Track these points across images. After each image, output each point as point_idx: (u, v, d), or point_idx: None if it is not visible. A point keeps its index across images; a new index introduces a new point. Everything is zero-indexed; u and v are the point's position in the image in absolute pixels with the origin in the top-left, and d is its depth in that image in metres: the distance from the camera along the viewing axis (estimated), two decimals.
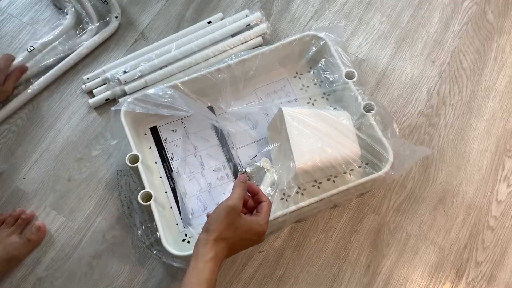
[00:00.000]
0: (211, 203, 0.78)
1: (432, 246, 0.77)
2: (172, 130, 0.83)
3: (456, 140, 0.85)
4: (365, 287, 0.75)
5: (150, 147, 0.81)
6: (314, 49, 0.85)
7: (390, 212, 0.80)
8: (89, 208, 0.81)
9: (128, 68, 0.89)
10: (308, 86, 0.86)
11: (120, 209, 0.80)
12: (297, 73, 0.88)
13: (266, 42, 0.93)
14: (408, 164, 0.75)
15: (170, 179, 0.79)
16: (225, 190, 0.78)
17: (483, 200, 0.81)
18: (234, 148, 0.81)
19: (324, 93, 0.85)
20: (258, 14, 0.93)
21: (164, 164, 0.80)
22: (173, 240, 0.73)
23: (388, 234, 0.78)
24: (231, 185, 0.78)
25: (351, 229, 0.79)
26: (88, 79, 0.91)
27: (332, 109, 0.83)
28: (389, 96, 0.89)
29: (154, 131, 0.83)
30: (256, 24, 0.92)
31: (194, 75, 0.81)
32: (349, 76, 0.80)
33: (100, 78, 0.90)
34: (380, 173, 0.72)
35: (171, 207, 0.77)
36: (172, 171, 0.80)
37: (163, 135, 0.82)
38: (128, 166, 0.73)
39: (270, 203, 0.63)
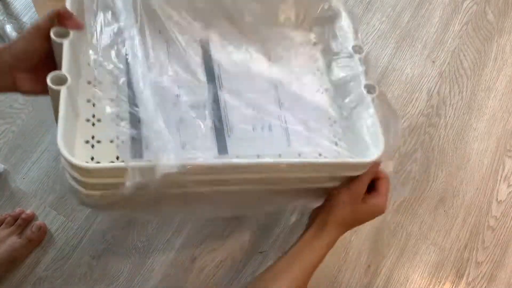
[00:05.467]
0: (177, 142, 0.57)
1: (432, 246, 0.77)
2: (159, 31, 0.63)
3: (456, 140, 0.85)
4: (365, 287, 0.75)
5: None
6: (324, 10, 0.72)
7: (390, 212, 0.79)
8: (89, 208, 0.81)
9: None
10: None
11: None
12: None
13: None
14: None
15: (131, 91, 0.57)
16: (198, 132, 0.60)
17: (483, 200, 0.81)
18: (222, 89, 0.64)
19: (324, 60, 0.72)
20: None
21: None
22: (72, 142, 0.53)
23: (388, 234, 0.78)
24: (202, 126, 0.60)
25: (351, 229, 0.79)
26: None
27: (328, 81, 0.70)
28: (389, 96, 0.89)
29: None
30: None
31: None
32: (357, 50, 0.69)
33: None
34: (364, 160, 0.58)
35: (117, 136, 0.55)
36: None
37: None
38: (53, 39, 0.51)
39: (388, 180, 0.61)
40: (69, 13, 0.53)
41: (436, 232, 0.78)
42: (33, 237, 0.77)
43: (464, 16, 0.97)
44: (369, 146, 0.63)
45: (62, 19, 0.52)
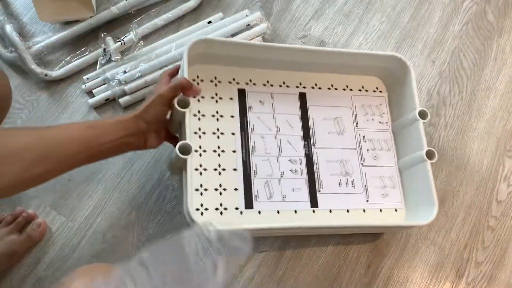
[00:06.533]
0: (278, 193, 0.72)
1: (432, 246, 0.78)
2: (260, 101, 0.76)
3: (456, 140, 0.85)
4: (365, 287, 0.75)
5: (233, 116, 0.74)
6: (394, 72, 0.80)
7: None
8: (89, 208, 0.81)
9: (128, 68, 0.89)
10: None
11: (120, 211, 0.80)
12: (362, 87, 0.82)
13: (266, 42, 0.93)
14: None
15: (244, 152, 0.72)
16: (296, 185, 0.73)
17: (483, 200, 0.81)
18: (315, 146, 0.76)
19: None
20: (258, 14, 0.93)
21: (243, 133, 0.73)
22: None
23: (388, 234, 0.78)
24: (302, 182, 0.74)
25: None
26: (88, 79, 0.91)
27: (393, 143, 0.80)
28: None
29: (241, 95, 0.75)
30: (256, 24, 0.92)
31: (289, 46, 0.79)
32: (423, 115, 0.73)
33: (100, 78, 0.90)
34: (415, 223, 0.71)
35: (235, 189, 0.70)
36: (248, 144, 0.73)
37: (249, 102, 0.74)
38: (177, 109, 0.62)
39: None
40: (190, 83, 0.63)
41: (436, 232, 0.78)
42: (33, 234, 0.77)
43: (464, 16, 0.97)
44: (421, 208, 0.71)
45: (184, 90, 0.62)
